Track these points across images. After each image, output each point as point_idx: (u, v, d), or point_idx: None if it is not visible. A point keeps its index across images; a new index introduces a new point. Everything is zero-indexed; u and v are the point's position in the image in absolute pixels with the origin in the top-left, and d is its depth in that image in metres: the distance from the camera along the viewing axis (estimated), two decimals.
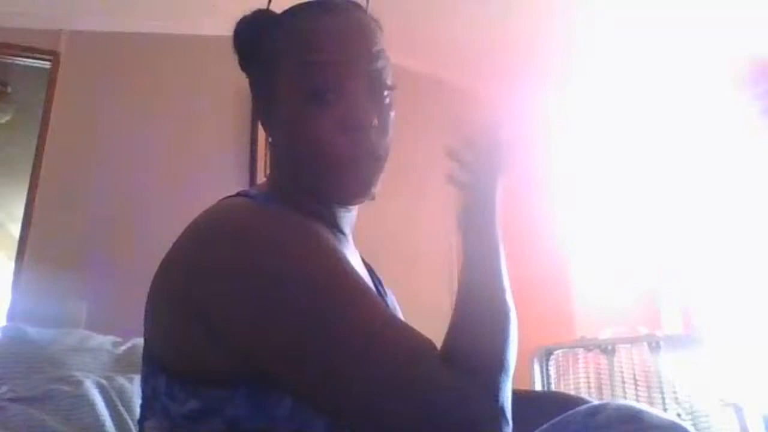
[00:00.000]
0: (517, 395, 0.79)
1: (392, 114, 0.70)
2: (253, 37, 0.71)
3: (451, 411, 0.50)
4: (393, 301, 0.86)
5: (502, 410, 0.52)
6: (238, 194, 0.69)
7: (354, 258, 0.78)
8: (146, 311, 0.64)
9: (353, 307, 0.55)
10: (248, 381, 0.56)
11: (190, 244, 0.61)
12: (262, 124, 0.74)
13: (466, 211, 0.69)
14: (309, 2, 0.69)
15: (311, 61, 0.65)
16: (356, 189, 0.68)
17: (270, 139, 0.73)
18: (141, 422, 0.65)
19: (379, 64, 0.67)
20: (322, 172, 0.66)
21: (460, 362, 0.53)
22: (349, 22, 0.68)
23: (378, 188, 0.69)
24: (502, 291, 0.63)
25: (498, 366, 0.55)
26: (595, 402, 0.66)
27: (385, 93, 0.69)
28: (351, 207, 0.74)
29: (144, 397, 0.64)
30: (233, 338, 0.56)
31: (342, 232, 0.75)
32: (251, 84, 0.75)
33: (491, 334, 0.58)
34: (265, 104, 0.72)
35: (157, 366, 0.61)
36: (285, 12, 0.71)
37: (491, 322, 0.59)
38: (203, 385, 0.57)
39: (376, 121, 0.66)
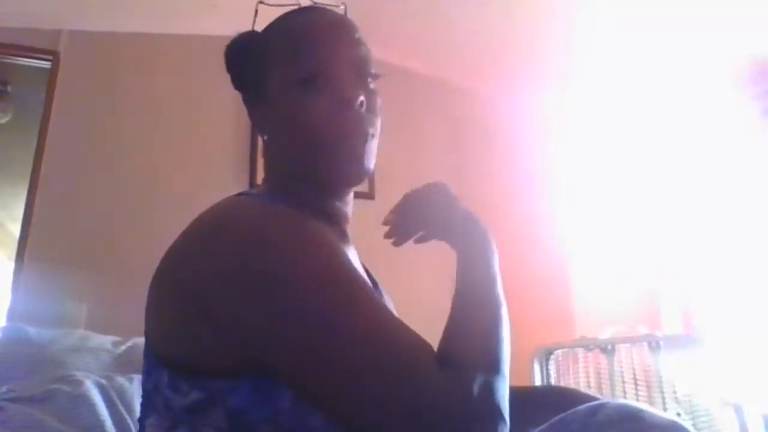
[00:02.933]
0: (519, 391, 0.79)
1: (379, 99, 0.74)
2: (244, 53, 0.76)
3: (447, 411, 0.50)
4: (388, 302, 0.87)
5: (498, 410, 0.52)
6: (239, 195, 0.70)
7: (353, 256, 0.78)
8: (148, 306, 0.64)
9: (354, 307, 0.55)
10: (251, 373, 0.56)
11: (194, 240, 0.61)
12: (259, 129, 0.77)
13: (452, 228, 0.76)
14: (292, 10, 0.75)
15: (299, 49, 0.70)
16: (350, 167, 0.70)
17: (265, 138, 0.75)
18: (141, 420, 0.65)
19: (362, 50, 0.72)
20: (317, 153, 0.69)
21: (455, 363, 0.53)
22: (331, 16, 0.74)
23: (372, 168, 0.72)
24: (497, 296, 0.64)
25: (493, 366, 0.55)
26: (599, 398, 0.66)
27: (369, 79, 0.73)
28: (348, 199, 0.77)
29: (145, 393, 0.64)
30: (235, 334, 0.56)
31: (341, 229, 0.76)
32: (246, 98, 0.78)
33: (486, 337, 0.58)
34: (258, 107, 0.75)
35: (159, 360, 0.61)
36: (271, 22, 0.76)
37: (485, 325, 0.60)
38: (206, 377, 0.57)
39: (362, 99, 0.69)
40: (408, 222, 0.86)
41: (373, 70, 0.72)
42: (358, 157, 0.70)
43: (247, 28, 0.78)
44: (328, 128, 0.68)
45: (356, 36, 0.72)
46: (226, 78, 0.78)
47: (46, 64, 2.05)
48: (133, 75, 2.16)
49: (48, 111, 2.00)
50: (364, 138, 0.70)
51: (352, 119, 0.68)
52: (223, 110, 2.19)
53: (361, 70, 0.71)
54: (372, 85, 0.73)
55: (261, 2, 0.79)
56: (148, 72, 2.18)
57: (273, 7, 0.77)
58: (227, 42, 0.78)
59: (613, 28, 2.35)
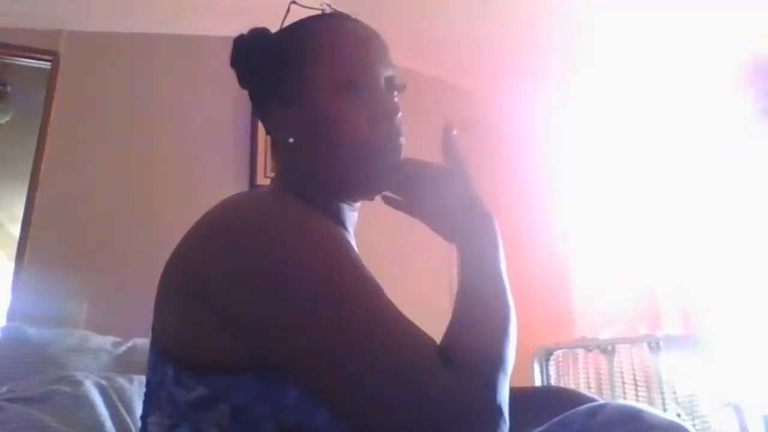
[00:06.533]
0: (519, 392, 0.79)
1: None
2: (262, 51, 0.75)
3: (449, 408, 0.51)
4: None
5: (499, 408, 0.53)
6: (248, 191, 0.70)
7: None
8: (156, 300, 0.65)
9: (363, 306, 0.55)
10: (256, 369, 0.57)
11: (204, 235, 0.61)
12: (279, 130, 0.74)
13: (451, 217, 0.72)
14: (320, 14, 0.76)
15: (348, 53, 0.71)
16: (386, 175, 0.72)
17: (291, 140, 0.72)
18: (144, 418, 0.65)
19: (394, 70, 0.75)
20: (356, 159, 0.70)
21: (458, 360, 0.53)
22: (370, 29, 0.76)
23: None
24: (502, 290, 0.63)
25: (496, 364, 0.55)
26: (598, 399, 0.66)
27: (396, 92, 0.75)
28: (357, 204, 0.77)
29: (149, 389, 0.64)
30: (244, 330, 0.56)
31: (347, 230, 0.76)
32: (258, 92, 0.77)
33: (490, 333, 0.58)
34: (281, 107, 0.73)
35: (165, 355, 0.62)
36: (297, 23, 0.75)
37: (490, 321, 0.60)
38: (211, 373, 0.57)
39: (401, 113, 0.72)
40: (406, 194, 0.77)
41: (400, 84, 0.75)
42: (392, 166, 0.72)
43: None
44: (369, 136, 0.69)
45: (390, 56, 0.75)
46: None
47: (46, 64, 2.05)
48: (133, 75, 2.16)
49: (48, 111, 2.00)
50: (399, 149, 0.73)
51: (391, 130, 0.71)
52: (223, 110, 2.19)
53: (392, 87, 0.74)
54: (397, 99, 0.75)
55: (294, 2, 0.79)
56: (148, 72, 2.18)
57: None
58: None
59: (614, 27, 2.35)
